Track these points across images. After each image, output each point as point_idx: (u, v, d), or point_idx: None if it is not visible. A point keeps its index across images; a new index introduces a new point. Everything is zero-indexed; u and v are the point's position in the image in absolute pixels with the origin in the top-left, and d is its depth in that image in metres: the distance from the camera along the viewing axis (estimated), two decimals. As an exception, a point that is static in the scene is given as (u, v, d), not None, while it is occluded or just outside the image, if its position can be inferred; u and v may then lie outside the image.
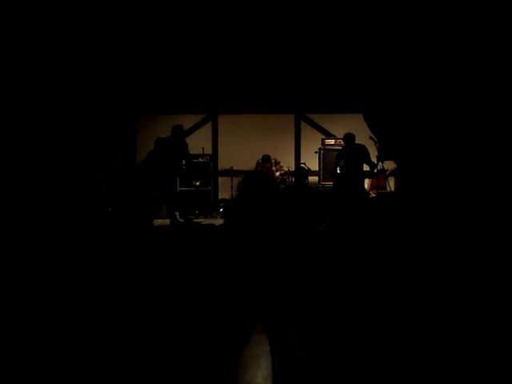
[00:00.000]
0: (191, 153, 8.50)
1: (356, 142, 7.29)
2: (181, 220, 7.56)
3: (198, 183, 8.53)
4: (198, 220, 8.09)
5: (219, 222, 7.63)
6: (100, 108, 7.05)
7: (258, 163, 8.90)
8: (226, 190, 9.01)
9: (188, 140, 9.29)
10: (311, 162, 8.62)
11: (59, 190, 5.66)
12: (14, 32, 5.30)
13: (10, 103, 5.35)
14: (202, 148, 8.90)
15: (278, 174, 8.72)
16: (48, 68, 5.74)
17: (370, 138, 6.86)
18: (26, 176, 5.41)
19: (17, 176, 5.35)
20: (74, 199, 5.78)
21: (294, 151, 9.27)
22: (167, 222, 7.32)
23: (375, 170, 7.48)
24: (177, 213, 7.69)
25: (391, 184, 8.33)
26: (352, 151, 7.17)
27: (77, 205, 5.75)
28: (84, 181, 6.14)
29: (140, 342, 3.80)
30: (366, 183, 7.88)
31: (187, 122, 9.42)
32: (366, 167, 7.32)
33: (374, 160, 7.27)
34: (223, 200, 8.79)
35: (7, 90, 5.30)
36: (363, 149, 7.15)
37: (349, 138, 7.26)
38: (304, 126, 9.42)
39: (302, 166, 7.89)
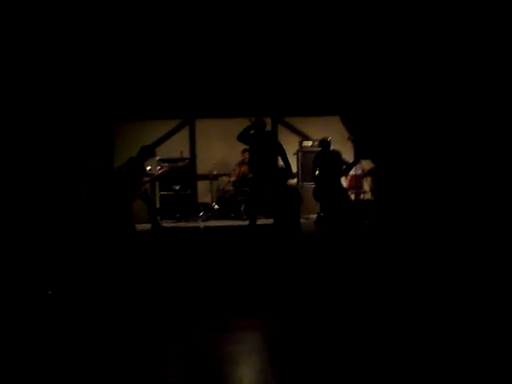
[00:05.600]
0: (170, 157, 8.54)
1: (333, 142, 7.45)
2: (164, 224, 7.57)
3: (177, 187, 8.52)
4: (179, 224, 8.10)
5: (201, 224, 7.66)
6: (77, 116, 6.98)
7: (240, 163, 8.82)
8: (205, 193, 9.04)
9: (166, 144, 9.33)
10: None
11: (40, 198, 5.60)
12: None
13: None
14: (181, 152, 8.90)
15: None
16: (27, 76, 5.69)
17: (348, 138, 7.03)
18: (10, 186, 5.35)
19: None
20: (55, 206, 5.73)
21: (271, 154, 9.33)
22: (148, 226, 7.32)
23: (352, 173, 7.72)
24: (158, 217, 7.68)
25: (368, 184, 8.50)
26: (326, 158, 7.34)
27: (58, 212, 5.70)
28: (65, 188, 6.08)
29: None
30: (344, 182, 8.03)
31: (165, 126, 9.41)
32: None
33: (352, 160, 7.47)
34: (203, 204, 8.79)
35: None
36: (337, 155, 7.33)
37: (323, 144, 7.45)
38: (281, 129, 9.52)
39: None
